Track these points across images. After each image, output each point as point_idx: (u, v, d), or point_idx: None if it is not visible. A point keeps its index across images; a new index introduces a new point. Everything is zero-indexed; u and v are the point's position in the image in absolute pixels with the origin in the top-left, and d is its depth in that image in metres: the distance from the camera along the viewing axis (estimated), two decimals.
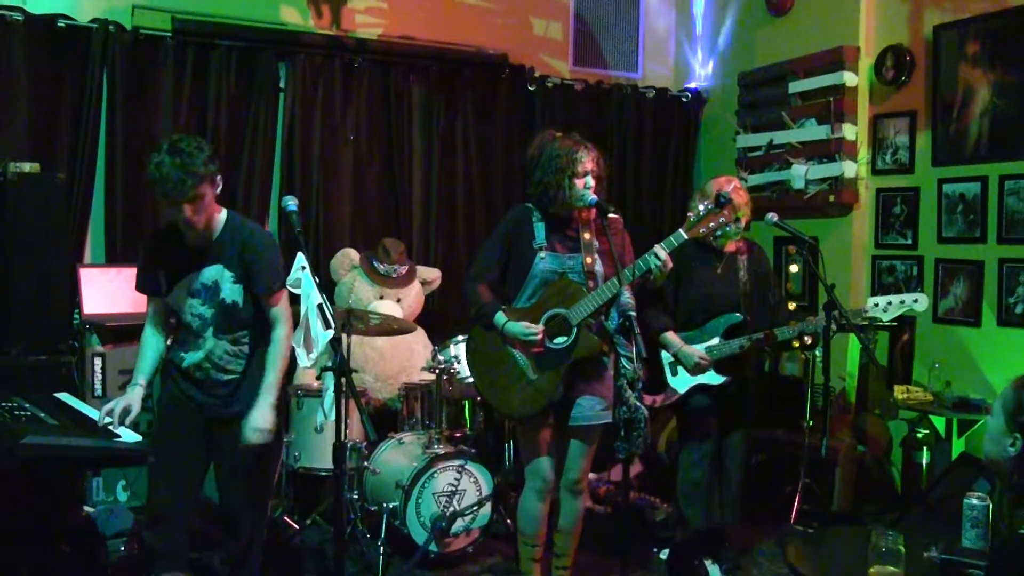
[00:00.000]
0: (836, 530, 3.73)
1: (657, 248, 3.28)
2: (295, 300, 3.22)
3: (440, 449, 4.15)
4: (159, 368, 3.22)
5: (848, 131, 5.30)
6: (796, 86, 5.55)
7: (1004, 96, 4.71)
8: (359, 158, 5.59)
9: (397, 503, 4.04)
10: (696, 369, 3.91)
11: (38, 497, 3.21)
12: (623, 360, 3.08)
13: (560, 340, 3.32)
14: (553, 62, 6.25)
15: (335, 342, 2.82)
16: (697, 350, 3.92)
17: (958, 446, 4.64)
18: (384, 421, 4.74)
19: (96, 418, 2.97)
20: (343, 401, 2.97)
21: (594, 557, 4.01)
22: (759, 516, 4.54)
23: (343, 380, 2.80)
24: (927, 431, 4.81)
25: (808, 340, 4.67)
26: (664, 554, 4.13)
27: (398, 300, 5.05)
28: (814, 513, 4.38)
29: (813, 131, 5.45)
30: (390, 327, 4.45)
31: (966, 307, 4.90)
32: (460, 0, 5.93)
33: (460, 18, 5.90)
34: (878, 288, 5.33)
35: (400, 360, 5.03)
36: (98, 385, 4.38)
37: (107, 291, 4.64)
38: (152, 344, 3.18)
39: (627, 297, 3.21)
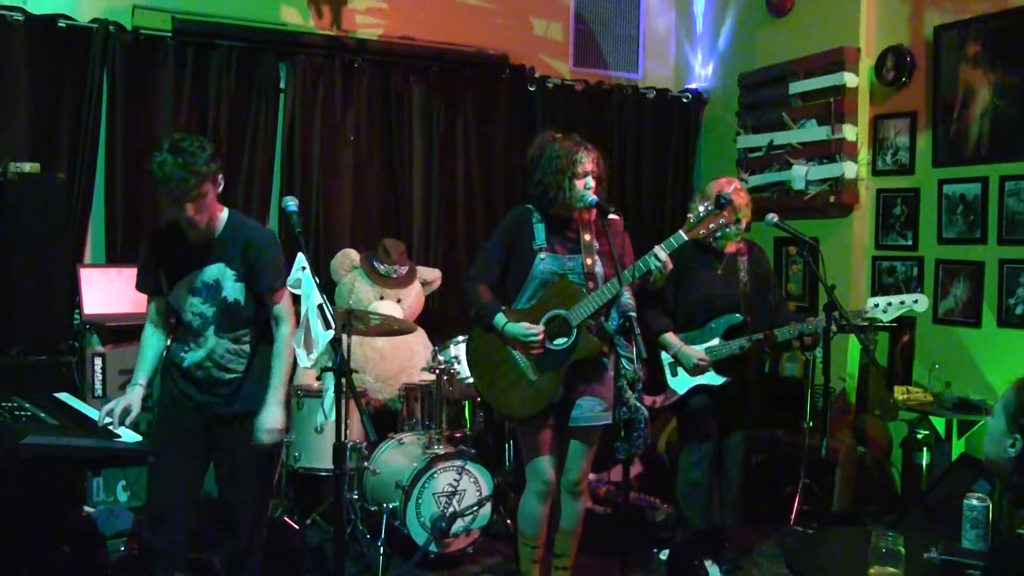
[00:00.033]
0: (836, 531, 3.73)
1: (657, 249, 3.28)
2: (295, 300, 3.22)
3: (440, 449, 4.15)
4: (159, 368, 3.22)
5: (848, 132, 5.31)
6: (796, 87, 5.55)
7: (1005, 97, 4.71)
8: (359, 158, 5.59)
9: (397, 503, 4.04)
10: (695, 370, 3.91)
11: (38, 497, 3.22)
12: (623, 361, 3.07)
13: (560, 341, 3.32)
14: (553, 62, 6.25)
15: (335, 342, 2.82)
16: (696, 351, 3.92)
17: (958, 447, 4.64)
18: (384, 421, 4.74)
19: (96, 418, 2.97)
20: (343, 401, 2.97)
21: (594, 558, 4.01)
22: (759, 517, 4.54)
23: (343, 380, 2.80)
24: (927, 432, 4.81)
25: (808, 341, 4.67)
26: (664, 555, 4.13)
27: (398, 300, 5.05)
28: (814, 514, 4.38)
29: (813, 132, 5.45)
30: (390, 327, 4.45)
31: (966, 308, 4.90)
32: (460, 0, 5.93)
33: (460, 18, 5.90)
34: (878, 289, 5.33)
35: (400, 360, 5.03)
36: (98, 385, 4.38)
37: (107, 291, 4.64)
38: (152, 344, 3.18)
39: (627, 298, 3.20)
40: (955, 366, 4.87)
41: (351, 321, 4.15)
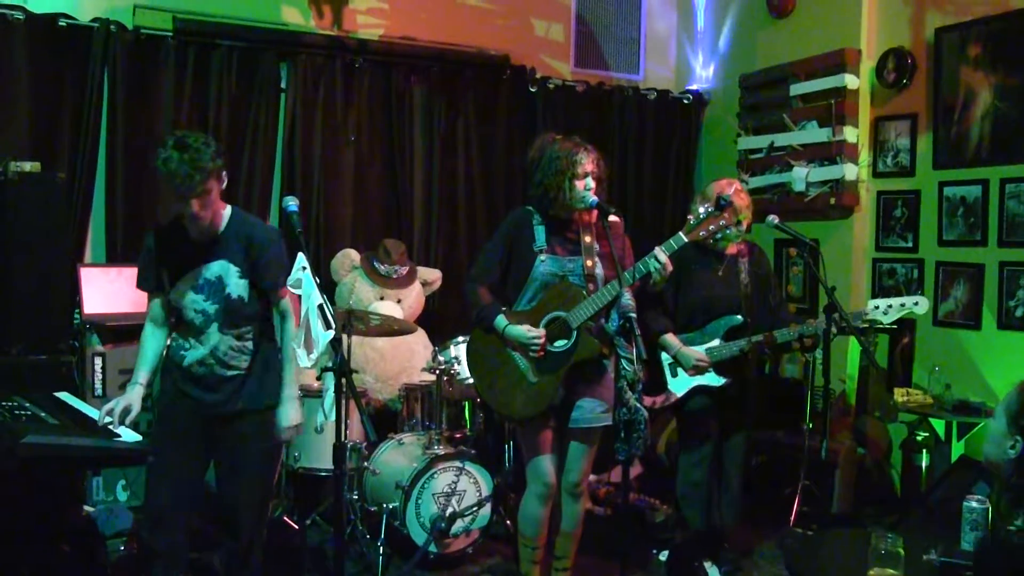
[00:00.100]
0: (836, 532, 3.73)
1: (657, 251, 3.28)
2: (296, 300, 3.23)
3: (440, 450, 4.15)
4: (159, 367, 3.22)
5: (849, 134, 5.31)
6: (797, 88, 5.55)
7: (1005, 99, 4.71)
8: (360, 159, 5.59)
9: (397, 504, 4.04)
10: (695, 370, 3.91)
11: (38, 497, 3.22)
12: (623, 362, 3.07)
13: (560, 343, 3.32)
14: (554, 63, 6.25)
15: (336, 343, 2.82)
16: (696, 351, 3.91)
17: (958, 449, 4.64)
18: (384, 422, 4.75)
19: (96, 418, 2.97)
20: (343, 402, 2.97)
21: (594, 559, 4.01)
22: (759, 518, 4.54)
23: (343, 381, 2.80)
24: (927, 434, 4.81)
25: (808, 342, 4.67)
26: (664, 556, 4.13)
27: (399, 301, 5.06)
28: (814, 515, 4.38)
29: (814, 133, 5.45)
30: (390, 328, 4.45)
31: (966, 310, 4.90)
32: (461, 1, 5.93)
33: (461, 19, 5.90)
34: (878, 291, 5.33)
35: (400, 361, 5.03)
36: (98, 385, 4.38)
37: (107, 291, 4.64)
38: (152, 343, 3.18)
39: (627, 299, 3.20)
40: (955, 368, 4.87)
41: (351, 321, 4.15)
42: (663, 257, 3.27)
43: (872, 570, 2.68)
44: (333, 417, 2.92)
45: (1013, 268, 4.66)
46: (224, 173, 3.01)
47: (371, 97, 5.60)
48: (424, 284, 5.27)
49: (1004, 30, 4.70)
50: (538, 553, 3.54)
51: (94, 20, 4.88)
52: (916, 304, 3.90)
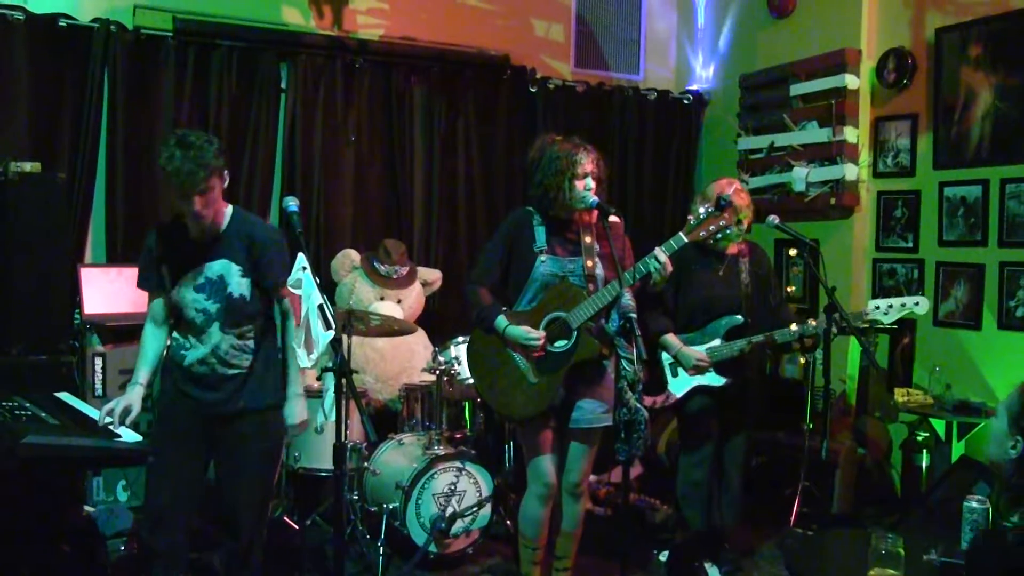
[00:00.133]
0: (836, 532, 3.72)
1: (657, 251, 3.28)
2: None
3: (440, 450, 4.15)
4: (160, 367, 3.22)
5: (849, 134, 5.31)
6: (797, 88, 5.55)
7: (1006, 99, 4.71)
8: (360, 159, 5.59)
9: (397, 504, 4.04)
10: (695, 370, 3.91)
11: (38, 497, 3.22)
12: (623, 362, 3.07)
13: (560, 344, 3.31)
14: (554, 64, 6.25)
15: (336, 343, 2.81)
16: (696, 351, 3.91)
17: (958, 449, 4.64)
18: (384, 422, 4.75)
19: (96, 418, 2.97)
20: (343, 402, 2.97)
21: (594, 559, 4.01)
22: (759, 518, 4.54)
23: (344, 381, 2.80)
24: (927, 434, 4.81)
25: (808, 342, 4.67)
26: (664, 556, 4.13)
27: (399, 301, 5.06)
28: (814, 515, 4.38)
29: (814, 134, 5.45)
30: (391, 328, 4.45)
31: (967, 310, 4.90)
32: (462, 1, 5.93)
33: (461, 19, 5.91)
34: (879, 291, 5.33)
35: (400, 361, 5.03)
36: (98, 385, 4.38)
37: (108, 291, 4.64)
38: (152, 343, 3.17)
39: (628, 299, 3.20)
40: (955, 368, 4.87)
41: (351, 321, 4.15)
42: (663, 257, 3.26)
43: (872, 570, 2.68)
44: (333, 417, 2.92)
45: (1013, 268, 4.66)
46: (226, 172, 3.02)
47: (371, 97, 5.60)
48: (424, 284, 5.27)
49: (1004, 30, 4.70)
50: (538, 553, 3.54)
51: (94, 20, 4.88)
52: (916, 304, 3.90)
